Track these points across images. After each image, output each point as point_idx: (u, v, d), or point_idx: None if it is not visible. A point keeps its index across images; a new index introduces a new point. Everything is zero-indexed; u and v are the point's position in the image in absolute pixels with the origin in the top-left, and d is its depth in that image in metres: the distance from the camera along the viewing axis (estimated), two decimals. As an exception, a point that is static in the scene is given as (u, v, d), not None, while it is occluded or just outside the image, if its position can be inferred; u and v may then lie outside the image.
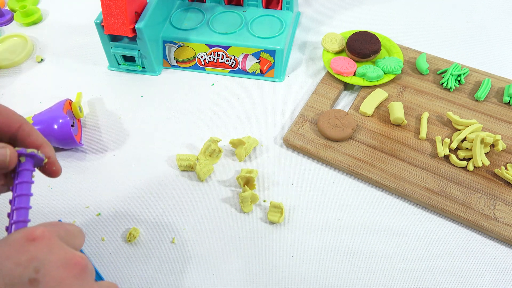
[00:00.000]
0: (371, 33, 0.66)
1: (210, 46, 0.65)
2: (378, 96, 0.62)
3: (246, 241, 0.50)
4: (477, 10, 0.77)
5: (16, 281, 0.28)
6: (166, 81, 0.67)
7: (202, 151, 0.57)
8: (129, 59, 0.67)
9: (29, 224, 0.33)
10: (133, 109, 0.64)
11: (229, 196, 0.54)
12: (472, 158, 0.55)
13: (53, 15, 0.80)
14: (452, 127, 0.59)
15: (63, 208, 0.54)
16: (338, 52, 0.67)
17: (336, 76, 0.64)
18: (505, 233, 0.49)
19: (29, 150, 0.34)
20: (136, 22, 0.61)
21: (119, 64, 0.67)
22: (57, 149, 0.59)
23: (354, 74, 0.64)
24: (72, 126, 0.58)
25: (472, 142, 0.55)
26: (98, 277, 0.48)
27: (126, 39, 0.64)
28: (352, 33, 0.67)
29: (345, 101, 0.64)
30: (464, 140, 0.56)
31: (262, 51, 0.64)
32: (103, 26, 0.61)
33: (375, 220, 0.52)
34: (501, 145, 0.55)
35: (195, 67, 0.68)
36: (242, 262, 0.49)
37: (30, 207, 0.33)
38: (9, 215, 0.33)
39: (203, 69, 0.68)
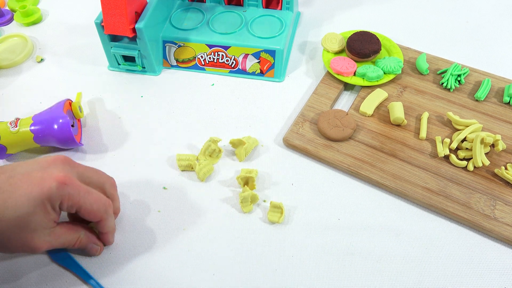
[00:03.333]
0: (371, 33, 0.66)
1: (210, 46, 0.65)
2: (378, 96, 0.62)
3: (246, 241, 0.50)
4: (477, 10, 0.77)
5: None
6: (166, 81, 0.67)
7: (202, 151, 0.57)
8: (129, 59, 0.67)
9: None
10: (133, 109, 0.64)
11: (229, 196, 0.54)
12: (472, 158, 0.55)
13: (53, 15, 0.80)
14: (452, 127, 0.59)
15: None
16: (338, 52, 0.67)
17: (336, 76, 0.64)
18: (505, 233, 0.49)
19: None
20: (136, 22, 0.61)
21: (119, 64, 0.67)
22: (57, 149, 0.59)
23: (354, 74, 0.64)
24: (72, 126, 0.58)
25: (472, 142, 0.55)
26: (91, 280, 0.48)
27: (126, 39, 0.64)
28: (352, 33, 0.67)
29: (345, 101, 0.64)
30: (464, 140, 0.56)
31: (262, 51, 0.64)
32: (103, 26, 0.61)
33: (375, 220, 0.52)
34: (501, 145, 0.55)
35: (195, 67, 0.68)
36: (242, 262, 0.49)
37: None
38: None
39: (203, 69, 0.68)
